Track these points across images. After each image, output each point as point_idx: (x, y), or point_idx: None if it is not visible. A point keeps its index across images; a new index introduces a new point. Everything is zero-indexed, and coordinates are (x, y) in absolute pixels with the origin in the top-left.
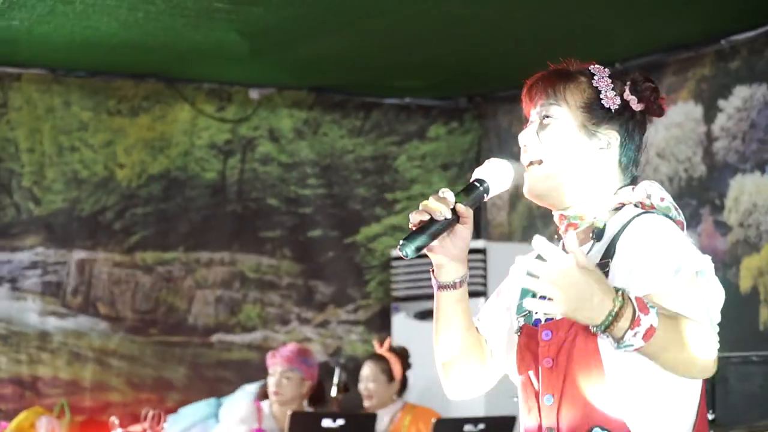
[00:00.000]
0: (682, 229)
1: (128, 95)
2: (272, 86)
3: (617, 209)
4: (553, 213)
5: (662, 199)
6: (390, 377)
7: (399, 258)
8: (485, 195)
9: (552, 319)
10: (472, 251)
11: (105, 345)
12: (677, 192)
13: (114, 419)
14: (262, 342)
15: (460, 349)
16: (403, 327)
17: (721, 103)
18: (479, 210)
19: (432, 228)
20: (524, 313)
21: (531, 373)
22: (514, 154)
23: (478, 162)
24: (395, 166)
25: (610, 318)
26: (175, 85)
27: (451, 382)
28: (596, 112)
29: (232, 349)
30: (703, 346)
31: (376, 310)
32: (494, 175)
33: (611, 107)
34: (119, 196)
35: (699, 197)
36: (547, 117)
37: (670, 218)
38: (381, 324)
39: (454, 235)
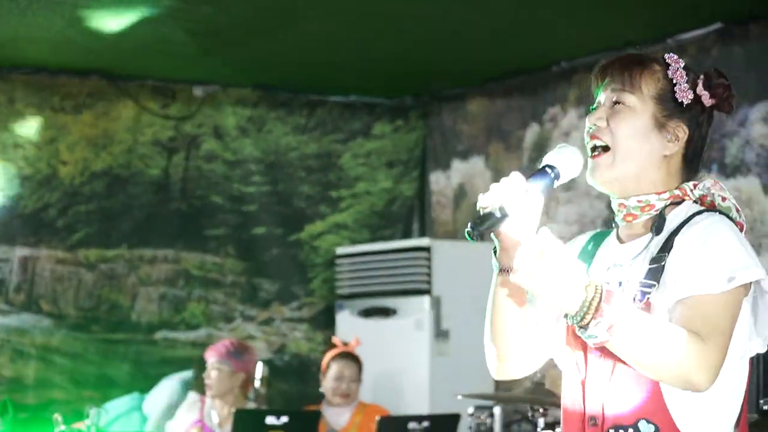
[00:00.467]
0: (742, 230)
1: (72, 92)
2: (217, 84)
3: (677, 203)
4: (611, 199)
5: (724, 199)
6: (361, 378)
7: (343, 256)
8: (555, 182)
9: None
10: (416, 249)
11: (48, 342)
12: None
13: (57, 416)
14: (206, 339)
15: (513, 332)
16: (347, 325)
17: None
18: (424, 208)
19: (500, 213)
20: None
21: (578, 359)
22: (458, 152)
23: (424, 159)
24: (340, 164)
25: (584, 309)
26: (119, 83)
27: (501, 363)
28: (668, 104)
29: (176, 347)
30: (692, 363)
31: (320, 307)
32: (565, 162)
33: (683, 101)
34: (62, 193)
35: None
36: (619, 103)
37: (731, 219)
38: (325, 322)
39: (522, 221)
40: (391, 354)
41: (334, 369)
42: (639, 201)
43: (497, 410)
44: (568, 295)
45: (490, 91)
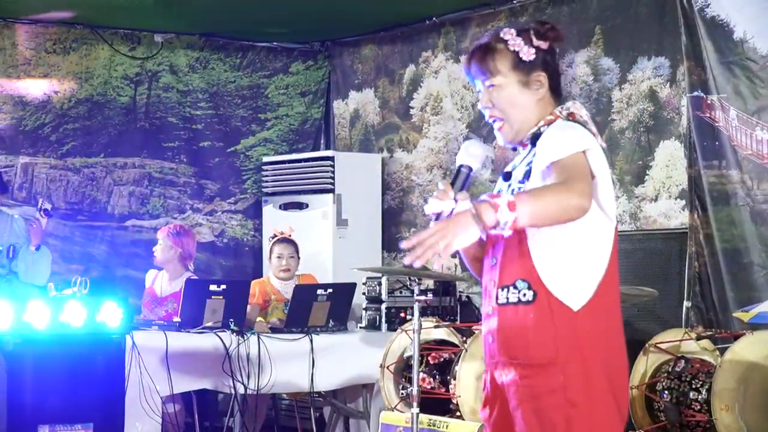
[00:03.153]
0: (595, 137)
1: (61, 38)
2: (172, 32)
3: (551, 123)
4: None
5: (578, 115)
6: (298, 255)
7: (268, 163)
8: (470, 174)
9: None
10: (323, 158)
11: (44, 228)
12: (477, 113)
13: (51, 285)
14: (165, 226)
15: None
16: (270, 215)
17: None
18: (328, 127)
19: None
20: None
21: (490, 251)
22: (354, 85)
23: (328, 90)
24: (266, 93)
25: (476, 219)
26: (97, 31)
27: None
28: (522, 66)
29: (142, 232)
30: (568, 195)
31: (251, 202)
32: (471, 156)
33: (529, 59)
34: (54, 115)
35: None
36: (491, 86)
37: (587, 129)
38: (254, 213)
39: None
40: (303, 238)
41: (275, 251)
42: (531, 135)
43: (384, 280)
44: (468, 226)
45: (379, 38)
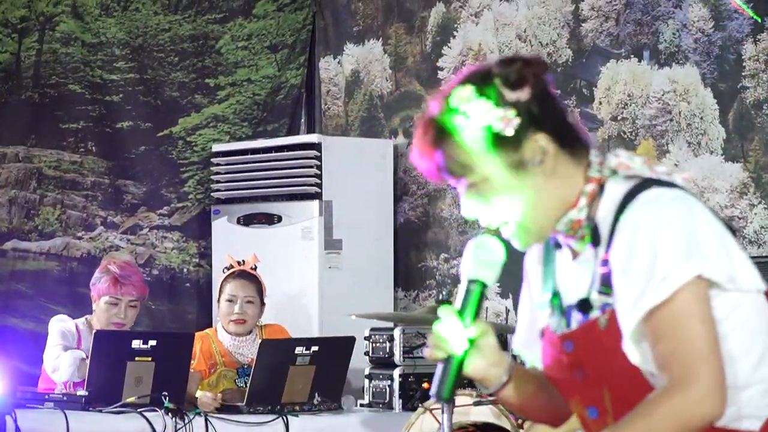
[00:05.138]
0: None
1: None
2: None
3: (598, 194)
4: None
5: (633, 169)
6: (262, 299)
7: (221, 153)
8: (485, 291)
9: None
10: (304, 147)
11: None
12: None
13: None
14: (63, 250)
15: (544, 402)
16: (224, 233)
17: None
18: (312, 99)
19: (454, 363)
20: (545, 310)
21: (565, 378)
22: (352, 35)
23: (312, 43)
24: (217, 48)
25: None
26: None
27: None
28: (503, 143)
29: (28, 258)
30: (687, 414)
31: (194, 213)
32: (483, 265)
33: (510, 131)
34: None
35: (564, 86)
36: (471, 186)
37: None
38: (200, 230)
39: (480, 350)
40: (274, 267)
41: (226, 290)
42: (565, 226)
43: (397, 332)
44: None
45: None
